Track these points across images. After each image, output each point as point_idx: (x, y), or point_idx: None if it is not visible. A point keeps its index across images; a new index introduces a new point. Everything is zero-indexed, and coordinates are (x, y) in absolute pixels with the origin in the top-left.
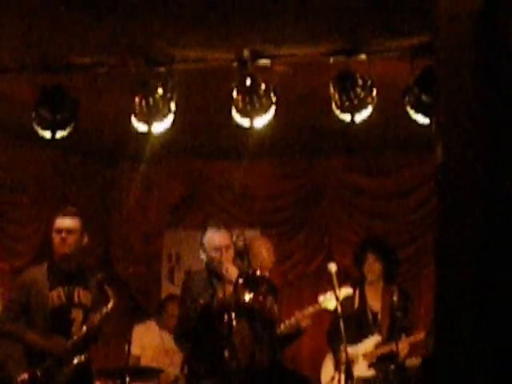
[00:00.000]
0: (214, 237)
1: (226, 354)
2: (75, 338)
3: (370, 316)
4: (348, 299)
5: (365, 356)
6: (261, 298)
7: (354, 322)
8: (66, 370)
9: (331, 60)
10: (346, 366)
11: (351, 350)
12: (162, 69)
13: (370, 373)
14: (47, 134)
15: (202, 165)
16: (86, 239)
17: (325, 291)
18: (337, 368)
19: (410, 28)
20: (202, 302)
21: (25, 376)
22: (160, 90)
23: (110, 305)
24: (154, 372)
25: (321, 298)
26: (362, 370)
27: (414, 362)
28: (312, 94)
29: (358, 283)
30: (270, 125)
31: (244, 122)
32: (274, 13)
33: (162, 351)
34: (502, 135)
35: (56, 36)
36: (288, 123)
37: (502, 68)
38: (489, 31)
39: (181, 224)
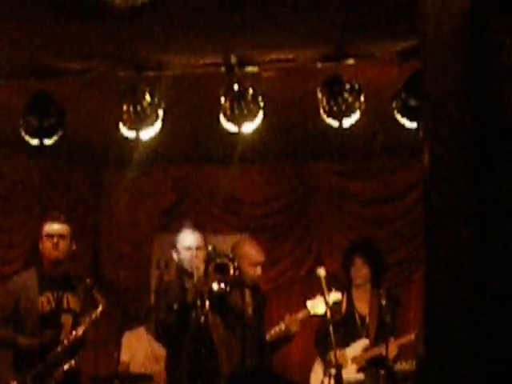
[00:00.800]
0: (186, 237)
1: (204, 353)
2: (65, 342)
3: (357, 320)
4: (337, 304)
5: (353, 360)
6: (228, 287)
7: (342, 325)
8: (56, 375)
9: (319, 65)
10: (335, 372)
11: (339, 353)
12: (150, 75)
13: (359, 376)
14: (35, 142)
15: (190, 170)
16: (74, 245)
17: (314, 296)
18: (326, 373)
19: (398, 32)
20: (175, 306)
21: (14, 383)
22: (148, 97)
23: (98, 309)
24: (143, 378)
25: (309, 304)
26: (350, 373)
27: (403, 366)
28: (300, 99)
29: (346, 287)
30: (258, 130)
31: (232, 127)
32: (261, 19)
33: (152, 358)
34: (489, 139)
35: (43, 42)
36: (276, 128)
37: (490, 71)
38: (476, 35)
39: (170, 230)
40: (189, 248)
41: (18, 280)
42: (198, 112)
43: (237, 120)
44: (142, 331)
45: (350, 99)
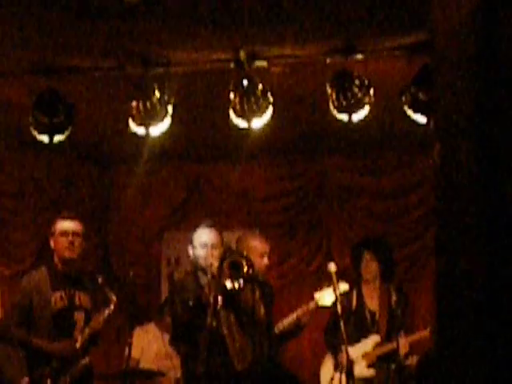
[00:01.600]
0: (203, 234)
1: (217, 349)
2: (81, 339)
3: (367, 315)
4: (345, 295)
5: (364, 356)
6: (241, 285)
7: (352, 321)
8: (73, 372)
9: (328, 60)
10: (347, 367)
11: (350, 349)
12: (159, 71)
13: (370, 372)
14: (45, 139)
15: (200, 167)
16: (85, 243)
17: (322, 288)
18: (336, 368)
19: (407, 26)
20: (191, 303)
21: (26, 380)
22: (157, 93)
23: (111, 307)
24: (154, 375)
25: (317, 296)
26: (361, 369)
27: (414, 360)
28: (309, 94)
29: (356, 283)
30: (267, 126)
31: (241, 123)
32: (270, 14)
33: (163, 354)
34: (500, 133)
35: (52, 40)
36: (286, 124)
37: (501, 65)
38: (487, 28)
39: (180, 226)
40: (205, 245)
41: (30, 279)
42: (208, 108)
43: (246, 115)
44: (152, 327)
45: (360, 94)
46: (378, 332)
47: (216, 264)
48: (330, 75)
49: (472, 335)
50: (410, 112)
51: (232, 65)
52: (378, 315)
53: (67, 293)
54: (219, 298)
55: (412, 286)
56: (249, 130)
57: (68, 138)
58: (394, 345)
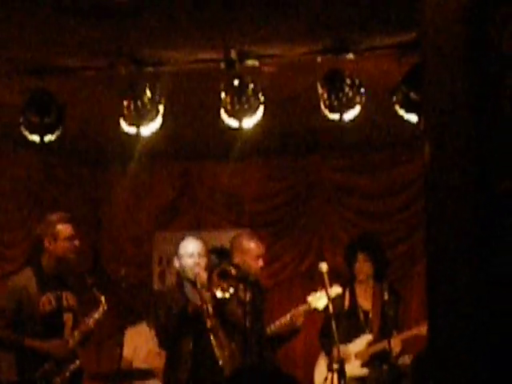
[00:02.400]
0: (189, 244)
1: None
2: (72, 342)
3: (361, 315)
4: (338, 298)
5: (357, 355)
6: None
7: (346, 321)
8: (64, 375)
9: (319, 59)
10: (339, 366)
11: (344, 349)
12: (150, 71)
13: (363, 372)
14: (36, 138)
15: (191, 166)
16: None
17: (315, 291)
18: (330, 368)
19: (398, 26)
20: (175, 313)
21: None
22: (148, 93)
23: (100, 309)
24: (146, 374)
25: (310, 298)
26: (354, 369)
27: (406, 360)
28: (300, 93)
29: (349, 282)
30: (258, 125)
31: (233, 122)
32: (260, 13)
33: (154, 353)
34: (490, 132)
35: (42, 39)
36: (277, 123)
37: (491, 64)
38: (476, 27)
39: (171, 226)
40: (191, 254)
41: (17, 281)
42: (199, 107)
43: (237, 115)
44: (143, 327)
45: (351, 93)
46: (371, 331)
47: (203, 274)
48: (321, 74)
49: (464, 333)
50: (401, 111)
51: (223, 64)
52: (371, 314)
53: (55, 294)
54: (209, 307)
55: (404, 285)
56: (240, 129)
57: (59, 137)
58: (387, 344)
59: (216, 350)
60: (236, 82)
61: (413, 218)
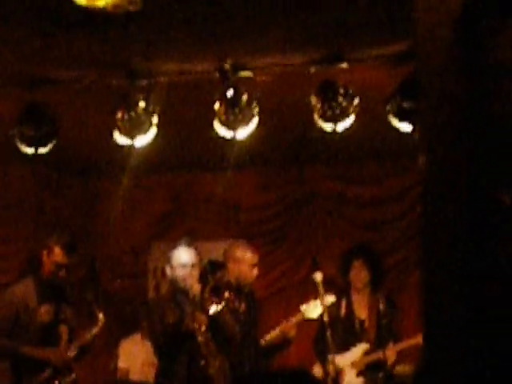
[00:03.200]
0: (182, 254)
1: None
2: (69, 354)
3: (357, 324)
4: (333, 307)
5: (353, 364)
6: (224, 310)
7: (341, 330)
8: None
9: (313, 69)
10: (334, 375)
11: (339, 358)
12: (144, 82)
13: (359, 381)
14: (30, 150)
15: (185, 177)
16: None
17: (309, 301)
18: (325, 378)
19: (391, 36)
20: (170, 321)
21: None
22: (142, 104)
23: (99, 325)
24: None
25: (303, 308)
26: (350, 378)
27: (402, 369)
28: (294, 103)
29: (344, 291)
30: (253, 135)
31: (227, 133)
32: (254, 24)
33: (149, 364)
34: (485, 139)
35: (35, 52)
36: (271, 133)
37: (483, 74)
38: (468, 36)
39: (166, 237)
40: (184, 265)
41: (16, 291)
42: (193, 118)
43: (231, 125)
44: (138, 338)
45: (344, 103)
46: (367, 340)
47: (196, 286)
48: (315, 85)
49: (460, 343)
50: (395, 121)
51: (217, 75)
52: (367, 323)
53: (53, 306)
54: (202, 322)
55: (399, 295)
56: (234, 140)
57: (53, 149)
58: (381, 354)
59: (208, 362)
60: (230, 93)
61: (408, 227)
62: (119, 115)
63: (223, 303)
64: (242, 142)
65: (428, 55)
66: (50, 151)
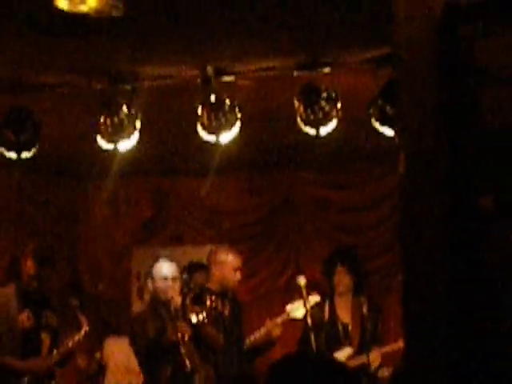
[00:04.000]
0: (162, 267)
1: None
2: (50, 361)
3: (340, 328)
4: (317, 309)
5: None
6: (206, 320)
7: (324, 333)
8: None
9: (295, 74)
10: None
11: None
12: (126, 87)
13: None
14: (12, 155)
15: (168, 182)
16: None
17: (293, 301)
18: None
19: (374, 40)
20: (151, 334)
21: None
22: (125, 109)
23: (82, 332)
24: None
25: (288, 307)
26: None
27: (385, 373)
28: (277, 108)
29: (328, 295)
30: (236, 140)
31: (210, 138)
32: (236, 28)
33: (124, 368)
34: (465, 144)
35: (18, 57)
36: (254, 138)
37: (464, 78)
38: (448, 41)
39: (149, 241)
40: (165, 278)
41: None
42: (176, 123)
43: (214, 130)
44: (124, 341)
45: (327, 107)
46: (350, 344)
47: (177, 297)
48: (298, 89)
49: (441, 346)
50: (377, 125)
51: (199, 80)
52: (350, 327)
53: (34, 312)
54: (185, 332)
55: (382, 298)
56: (217, 144)
57: (36, 154)
58: (365, 358)
59: (192, 373)
60: (212, 98)
61: (390, 231)
62: (102, 120)
63: (205, 313)
64: (224, 146)
65: (407, 61)
66: (33, 156)
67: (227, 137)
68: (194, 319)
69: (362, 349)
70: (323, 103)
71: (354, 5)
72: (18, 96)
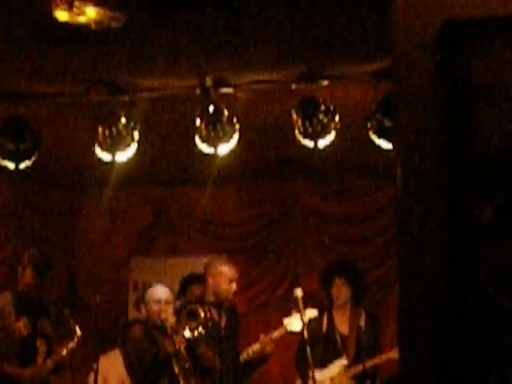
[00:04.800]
0: (155, 291)
1: None
2: (45, 369)
3: (338, 339)
4: (314, 321)
5: (332, 380)
6: (200, 336)
7: (322, 345)
8: None
9: (294, 86)
10: None
11: (319, 374)
12: (125, 98)
13: None
14: (11, 165)
15: (167, 192)
16: None
17: (290, 314)
18: None
19: (371, 53)
20: (148, 358)
21: None
22: (123, 119)
23: (75, 340)
24: None
25: (286, 321)
26: None
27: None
28: (275, 120)
29: (326, 307)
30: (234, 151)
31: (208, 149)
32: (235, 40)
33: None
34: (462, 158)
35: (18, 66)
36: (252, 150)
37: (461, 92)
38: (447, 56)
39: (147, 251)
40: (158, 301)
41: None
42: (174, 134)
43: (212, 141)
44: (116, 354)
45: (325, 120)
46: (347, 355)
47: (171, 319)
48: (296, 101)
49: (436, 357)
50: (375, 138)
51: (198, 91)
52: (348, 339)
53: (31, 320)
54: (180, 350)
55: (379, 310)
56: (215, 155)
57: (34, 164)
58: (361, 368)
59: None
60: (211, 109)
61: (389, 243)
62: (101, 130)
63: (200, 328)
64: (222, 157)
65: (405, 75)
66: (31, 166)
67: (225, 148)
68: (187, 334)
69: (357, 360)
70: (321, 116)
71: (353, 18)
72: (17, 105)
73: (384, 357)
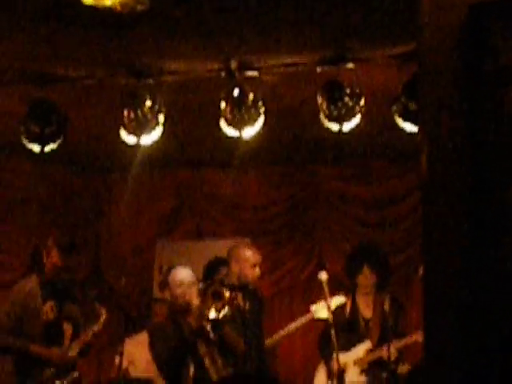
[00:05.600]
0: (178, 273)
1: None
2: (71, 352)
3: (361, 323)
4: (340, 307)
5: (356, 362)
6: (225, 316)
7: (346, 329)
8: (63, 383)
9: (319, 69)
10: (337, 375)
11: (343, 357)
12: (150, 81)
13: (362, 379)
14: (36, 148)
15: (191, 175)
16: None
17: (316, 300)
18: (329, 377)
19: (397, 36)
20: (173, 344)
21: None
22: (148, 102)
23: (100, 321)
24: (143, 383)
25: (313, 308)
26: (353, 376)
27: (405, 368)
28: (300, 103)
29: (351, 291)
30: (259, 134)
31: (233, 132)
32: (260, 23)
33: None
34: (485, 143)
35: (44, 49)
36: (277, 133)
37: (487, 76)
38: (473, 41)
39: (172, 234)
40: (181, 283)
41: (21, 288)
42: (199, 117)
43: (237, 125)
44: (144, 337)
45: (350, 103)
46: (370, 339)
47: (195, 300)
48: (321, 85)
49: (460, 341)
50: (400, 121)
51: (223, 74)
52: (371, 323)
53: (57, 303)
54: (206, 329)
55: (403, 294)
56: (240, 138)
57: (60, 147)
58: (383, 352)
59: (210, 372)
60: (236, 92)
61: (413, 226)
62: (126, 113)
63: (226, 309)
64: (248, 140)
65: (431, 58)
66: (57, 149)
67: (250, 131)
68: (212, 314)
69: (380, 344)
70: (347, 99)
71: (379, 1)
72: (43, 88)
73: (409, 340)
